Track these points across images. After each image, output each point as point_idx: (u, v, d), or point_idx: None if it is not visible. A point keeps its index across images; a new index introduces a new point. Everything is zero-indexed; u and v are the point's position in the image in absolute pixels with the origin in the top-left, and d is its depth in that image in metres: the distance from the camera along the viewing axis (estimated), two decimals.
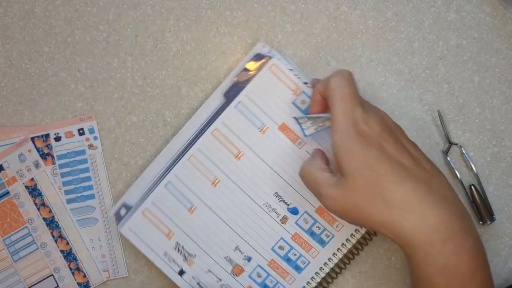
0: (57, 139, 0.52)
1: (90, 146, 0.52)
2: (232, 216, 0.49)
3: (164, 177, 0.49)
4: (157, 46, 0.51)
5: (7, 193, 0.52)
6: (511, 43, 0.49)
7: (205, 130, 0.48)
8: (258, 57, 0.49)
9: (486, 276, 0.38)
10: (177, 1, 0.51)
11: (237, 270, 0.49)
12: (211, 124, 0.48)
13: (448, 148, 0.49)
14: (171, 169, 0.49)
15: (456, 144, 0.49)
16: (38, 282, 0.52)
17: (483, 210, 0.48)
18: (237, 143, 0.49)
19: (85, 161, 0.52)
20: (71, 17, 0.52)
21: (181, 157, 0.49)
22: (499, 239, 0.49)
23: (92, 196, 0.52)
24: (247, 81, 0.48)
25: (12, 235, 0.52)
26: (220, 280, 0.49)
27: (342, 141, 0.38)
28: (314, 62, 0.50)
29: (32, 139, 0.52)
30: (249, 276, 0.49)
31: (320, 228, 0.49)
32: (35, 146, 0.52)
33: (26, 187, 0.52)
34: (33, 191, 0.52)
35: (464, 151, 0.49)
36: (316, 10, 0.50)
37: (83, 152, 0.52)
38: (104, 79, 0.52)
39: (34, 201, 0.51)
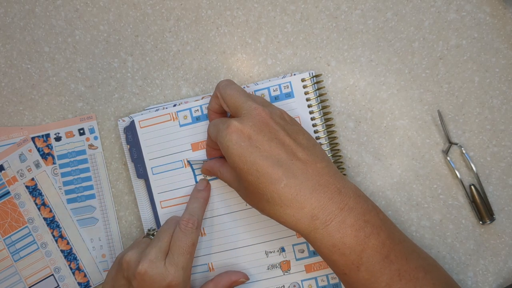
0: (58, 139, 0.52)
1: (91, 146, 0.52)
2: None
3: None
4: (157, 46, 0.51)
5: (8, 193, 0.52)
6: (511, 43, 0.49)
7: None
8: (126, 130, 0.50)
9: (381, 241, 0.40)
10: (177, 1, 0.51)
11: None
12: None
13: (448, 148, 0.49)
14: None
15: (456, 144, 0.49)
16: (38, 282, 0.52)
17: (483, 210, 0.48)
18: None
19: (85, 161, 0.52)
20: (72, 17, 0.52)
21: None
22: (499, 239, 0.49)
23: (92, 196, 0.52)
24: None
25: (12, 234, 0.52)
26: None
27: (227, 156, 0.41)
28: (314, 62, 0.50)
29: (33, 139, 0.52)
30: None
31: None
32: (36, 146, 0.52)
33: (27, 187, 0.52)
34: (34, 191, 0.52)
35: (464, 151, 0.49)
36: (316, 10, 0.50)
37: (83, 152, 0.52)
38: (104, 79, 0.52)
39: (34, 201, 0.52)
